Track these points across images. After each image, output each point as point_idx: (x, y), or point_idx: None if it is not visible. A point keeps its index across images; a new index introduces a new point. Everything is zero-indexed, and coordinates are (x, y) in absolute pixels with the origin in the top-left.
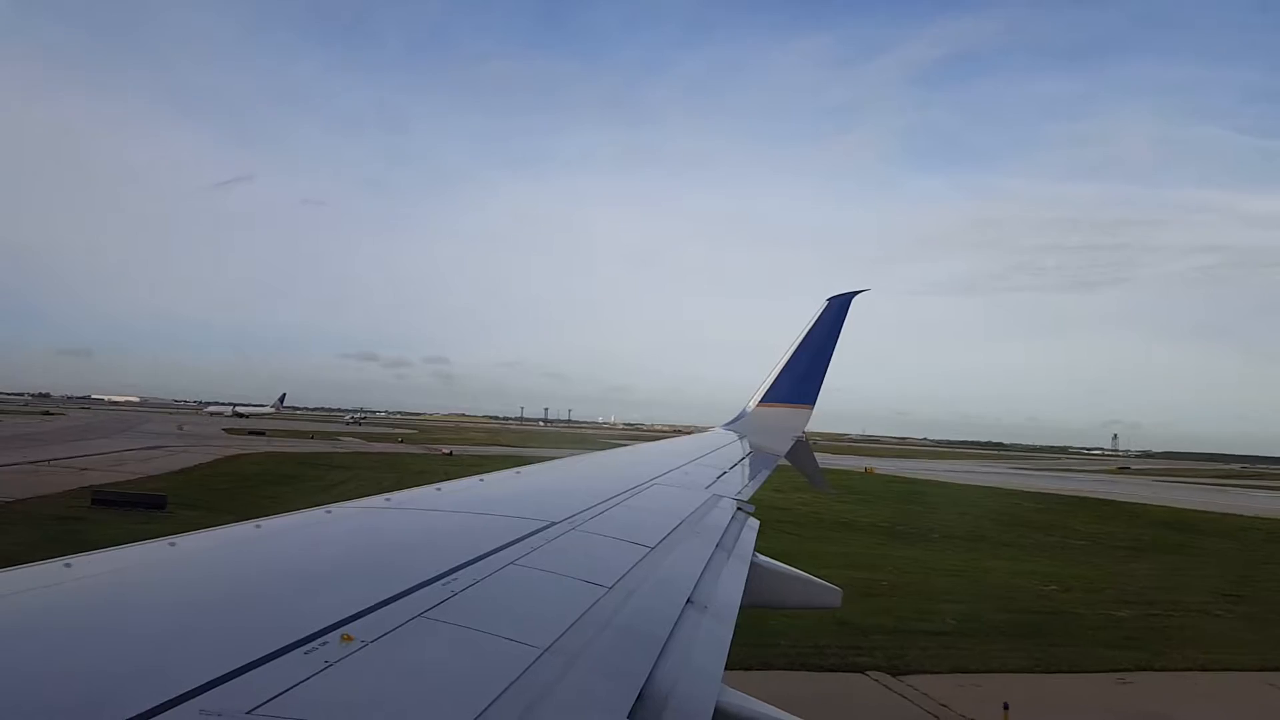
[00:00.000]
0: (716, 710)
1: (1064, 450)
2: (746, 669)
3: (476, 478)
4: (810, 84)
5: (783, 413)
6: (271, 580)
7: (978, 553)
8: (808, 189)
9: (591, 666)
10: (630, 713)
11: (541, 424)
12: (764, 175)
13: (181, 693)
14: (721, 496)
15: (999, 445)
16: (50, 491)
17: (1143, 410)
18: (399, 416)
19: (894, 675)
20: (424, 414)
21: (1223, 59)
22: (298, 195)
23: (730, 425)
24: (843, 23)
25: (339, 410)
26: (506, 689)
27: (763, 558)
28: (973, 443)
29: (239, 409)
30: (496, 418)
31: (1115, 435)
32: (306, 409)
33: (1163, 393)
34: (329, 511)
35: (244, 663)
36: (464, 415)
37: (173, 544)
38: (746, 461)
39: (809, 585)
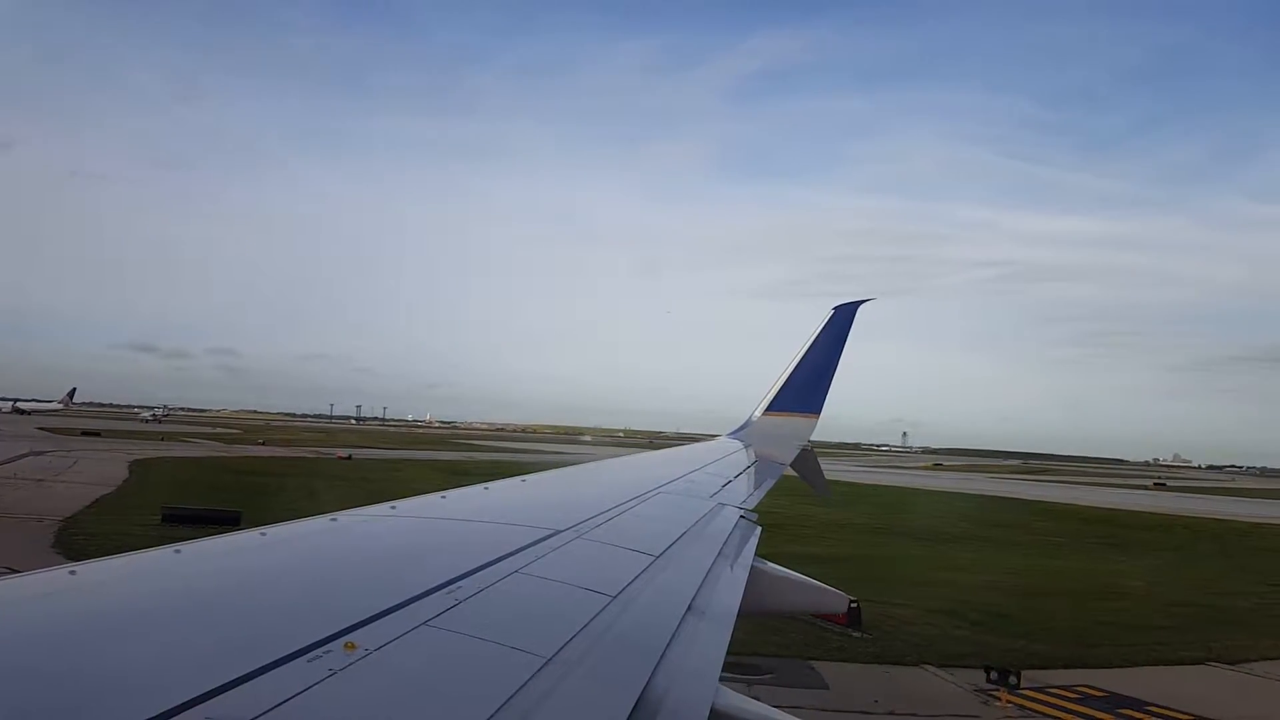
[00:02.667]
0: (713, 712)
1: (855, 446)
2: (1112, 667)
3: (481, 486)
4: (634, 88)
5: (788, 422)
6: (276, 588)
7: (1007, 552)
8: (631, 191)
9: (593, 675)
10: (628, 719)
11: (354, 421)
12: (587, 175)
13: (185, 700)
14: (726, 505)
15: None
16: (75, 510)
17: (922, 409)
18: (184, 413)
19: (1229, 665)
20: (209, 410)
21: (997, 89)
22: (68, 167)
23: (735, 434)
24: (664, 30)
25: (126, 407)
26: (510, 698)
27: (771, 565)
28: None
29: (20, 404)
30: (293, 415)
31: (905, 433)
32: (77, 405)
33: (940, 394)
34: (334, 519)
35: (248, 670)
36: (255, 412)
37: (178, 551)
38: (751, 470)
39: (816, 591)
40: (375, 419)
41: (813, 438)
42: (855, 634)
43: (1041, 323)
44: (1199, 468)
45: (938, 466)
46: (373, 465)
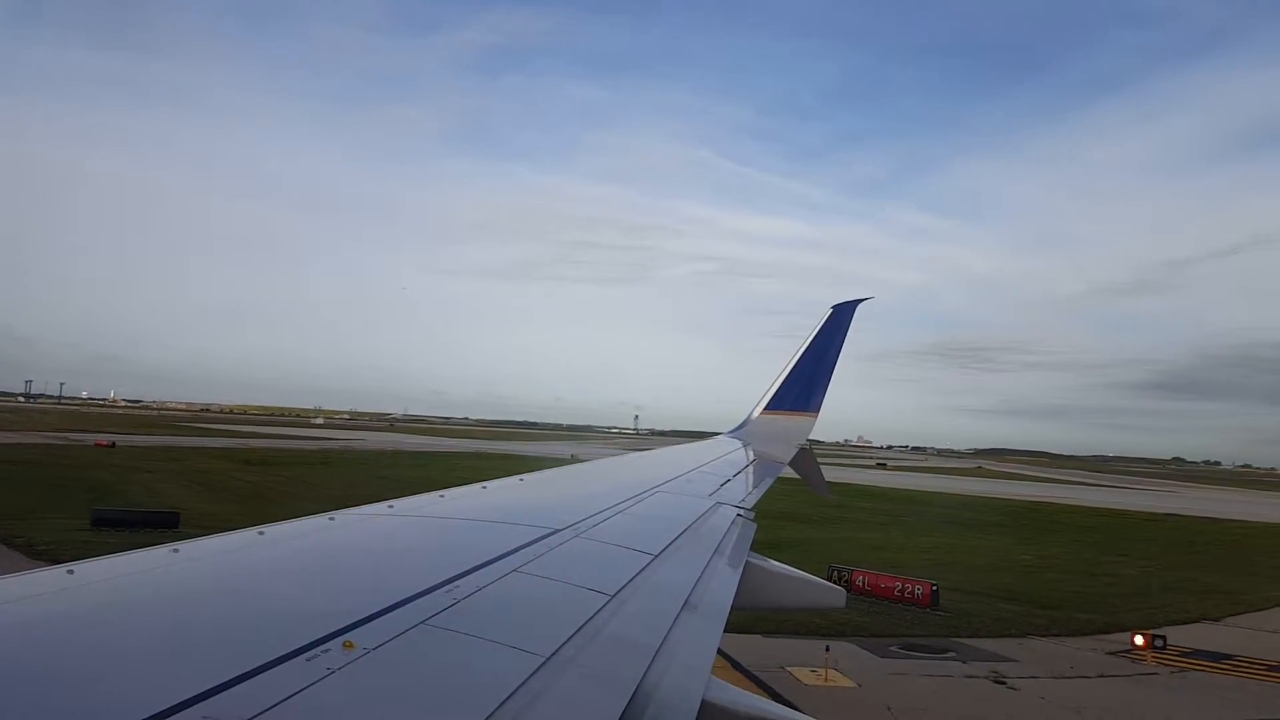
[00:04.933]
0: (704, 703)
1: (587, 429)
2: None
3: (479, 485)
4: (357, 45)
5: (786, 421)
6: (274, 587)
7: (886, 531)
8: (354, 154)
9: (589, 672)
10: (621, 716)
11: (23, 399)
12: (304, 134)
13: (184, 699)
14: (723, 504)
15: (531, 424)
16: None
17: (648, 393)
18: None
19: (1216, 621)
20: None
21: (720, 93)
22: None
23: (734, 433)
24: None
25: None
26: (508, 697)
27: (771, 561)
28: (509, 422)
29: None
30: None
31: (637, 416)
32: None
33: (664, 378)
34: (332, 518)
35: (247, 669)
36: None
37: (176, 550)
38: (750, 469)
39: (813, 587)
40: (49, 396)
41: (539, 420)
42: (938, 613)
43: (754, 314)
44: (880, 448)
45: None
46: (152, 454)
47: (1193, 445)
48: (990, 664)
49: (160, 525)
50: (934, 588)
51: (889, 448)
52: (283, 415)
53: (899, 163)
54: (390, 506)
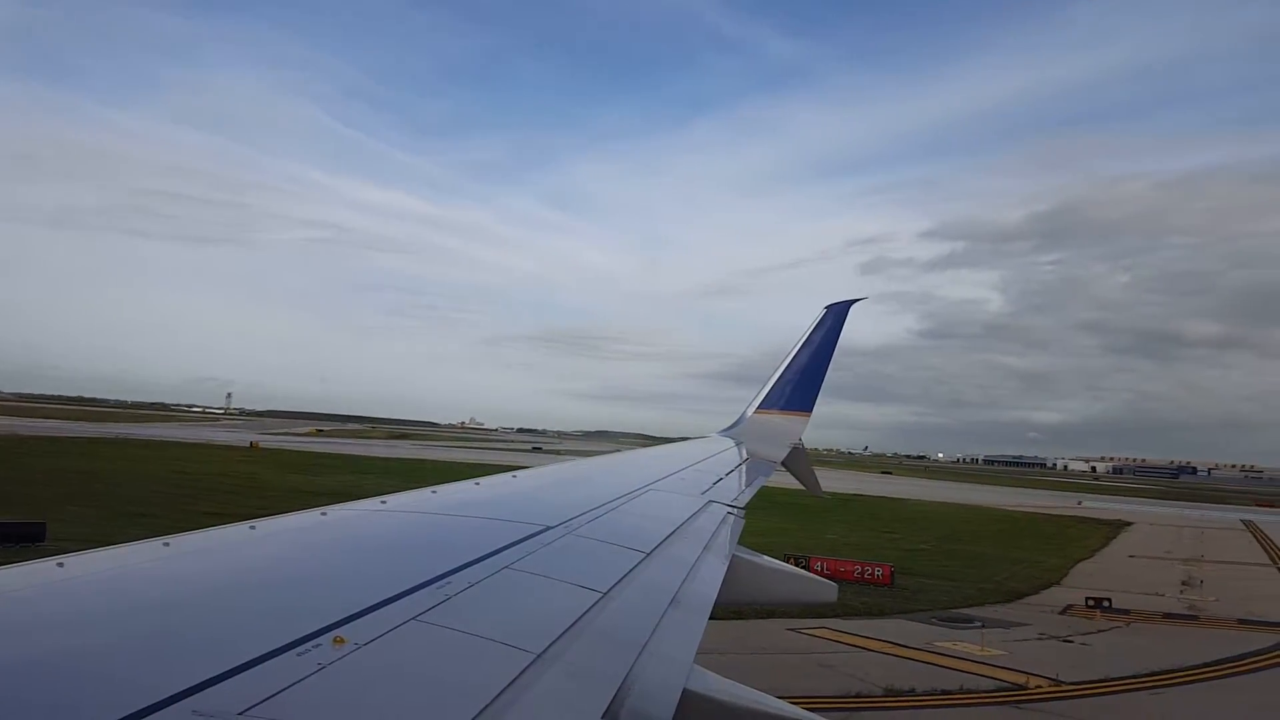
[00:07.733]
0: (686, 691)
1: (162, 407)
2: (1039, 591)
3: (472, 481)
4: None
5: (779, 420)
6: (265, 581)
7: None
8: None
9: (579, 667)
10: (605, 711)
11: None
12: None
13: (174, 693)
14: (715, 502)
15: (91, 401)
16: None
17: (238, 368)
18: None
19: (1070, 588)
20: None
21: (326, 48)
22: None
23: (727, 431)
24: None
25: None
26: (499, 693)
27: (764, 557)
28: (59, 398)
29: None
30: None
31: (229, 395)
32: None
33: (262, 353)
34: (324, 514)
35: (237, 664)
36: None
37: (166, 544)
38: (743, 468)
39: (806, 581)
40: None
41: (106, 395)
42: (901, 590)
43: (363, 289)
44: (493, 429)
45: (319, 432)
46: None
47: None
48: (1017, 629)
49: (24, 539)
50: (892, 571)
51: (499, 429)
52: None
53: (520, 153)
54: (383, 502)
